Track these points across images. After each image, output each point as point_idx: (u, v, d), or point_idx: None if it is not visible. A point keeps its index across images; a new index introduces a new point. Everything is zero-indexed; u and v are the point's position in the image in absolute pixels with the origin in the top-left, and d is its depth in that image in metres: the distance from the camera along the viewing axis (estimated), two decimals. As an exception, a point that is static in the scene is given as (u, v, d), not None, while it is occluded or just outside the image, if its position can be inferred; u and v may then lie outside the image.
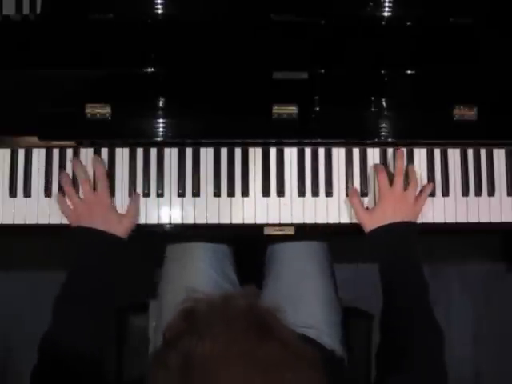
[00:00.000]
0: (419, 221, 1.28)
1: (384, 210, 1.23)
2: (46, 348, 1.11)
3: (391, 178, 1.26)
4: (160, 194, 1.28)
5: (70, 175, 1.27)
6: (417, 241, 1.23)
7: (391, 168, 1.30)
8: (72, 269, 1.18)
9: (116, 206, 1.26)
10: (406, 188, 1.25)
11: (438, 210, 1.30)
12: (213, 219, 1.28)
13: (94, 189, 1.24)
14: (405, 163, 1.29)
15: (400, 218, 1.22)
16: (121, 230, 1.21)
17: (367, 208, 1.28)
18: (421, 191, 1.28)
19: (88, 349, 1.12)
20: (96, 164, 1.26)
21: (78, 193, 1.25)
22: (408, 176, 1.27)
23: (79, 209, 1.22)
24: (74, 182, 1.27)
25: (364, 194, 1.30)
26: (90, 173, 1.27)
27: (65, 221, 1.27)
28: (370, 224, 1.24)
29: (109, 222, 1.20)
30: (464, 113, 1.25)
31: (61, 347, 1.10)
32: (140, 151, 1.29)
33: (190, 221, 1.28)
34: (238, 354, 0.72)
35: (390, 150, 1.31)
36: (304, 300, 1.32)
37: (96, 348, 1.13)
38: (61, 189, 1.26)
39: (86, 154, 1.29)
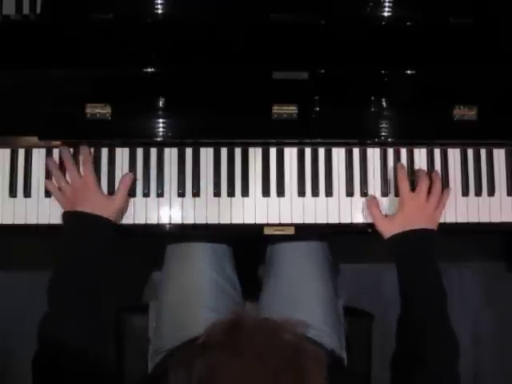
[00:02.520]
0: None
1: (405, 217, 1.22)
2: (43, 335, 1.11)
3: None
4: (160, 194, 1.29)
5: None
6: (436, 248, 1.21)
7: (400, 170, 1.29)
8: (63, 253, 1.18)
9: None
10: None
11: (438, 210, 1.30)
12: (213, 219, 1.28)
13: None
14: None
15: (420, 225, 1.21)
16: (109, 211, 1.22)
17: (386, 215, 1.26)
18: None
19: (83, 334, 1.11)
20: (81, 150, 1.26)
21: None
22: (431, 182, 1.25)
23: (67, 194, 1.24)
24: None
25: (364, 194, 1.30)
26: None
27: (65, 221, 1.28)
28: (390, 231, 1.22)
29: (96, 205, 1.21)
30: (464, 113, 1.25)
31: (57, 334, 1.10)
32: (140, 151, 1.29)
33: (189, 221, 1.28)
34: None
35: (390, 150, 1.31)
36: (304, 300, 1.32)
37: (92, 335, 1.13)
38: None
39: (86, 153, 1.29)
